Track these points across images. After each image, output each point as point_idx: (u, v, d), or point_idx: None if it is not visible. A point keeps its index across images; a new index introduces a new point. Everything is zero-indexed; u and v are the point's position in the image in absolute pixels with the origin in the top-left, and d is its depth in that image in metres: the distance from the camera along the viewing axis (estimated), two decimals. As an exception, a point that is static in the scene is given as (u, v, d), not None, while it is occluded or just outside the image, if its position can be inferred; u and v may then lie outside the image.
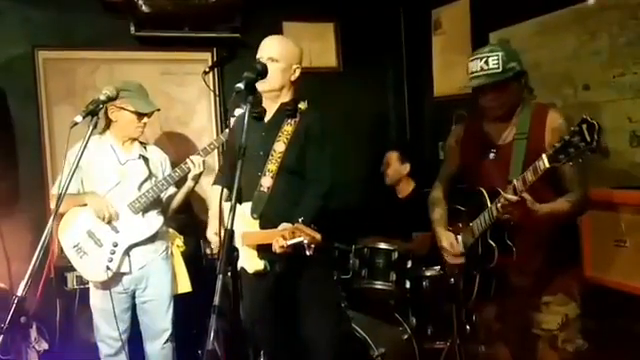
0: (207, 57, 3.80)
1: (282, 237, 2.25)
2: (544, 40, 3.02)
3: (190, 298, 3.17)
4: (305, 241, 2.20)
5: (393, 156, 3.71)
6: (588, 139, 1.84)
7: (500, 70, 2.18)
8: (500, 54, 2.18)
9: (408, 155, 3.73)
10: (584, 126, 1.85)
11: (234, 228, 1.78)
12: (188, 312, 3.16)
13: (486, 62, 2.19)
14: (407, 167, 3.69)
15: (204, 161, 2.96)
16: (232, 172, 1.91)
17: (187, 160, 2.93)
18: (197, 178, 2.97)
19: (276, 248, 2.30)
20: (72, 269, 3.19)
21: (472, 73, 2.25)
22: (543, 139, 2.18)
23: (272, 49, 2.50)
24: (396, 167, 3.69)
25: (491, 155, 2.33)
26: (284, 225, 2.31)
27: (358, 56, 4.14)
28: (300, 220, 2.25)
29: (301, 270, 2.45)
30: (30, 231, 3.25)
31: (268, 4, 3.83)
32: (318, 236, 2.20)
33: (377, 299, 3.35)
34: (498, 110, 2.28)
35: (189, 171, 2.93)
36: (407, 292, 3.28)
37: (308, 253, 2.22)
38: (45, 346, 3.17)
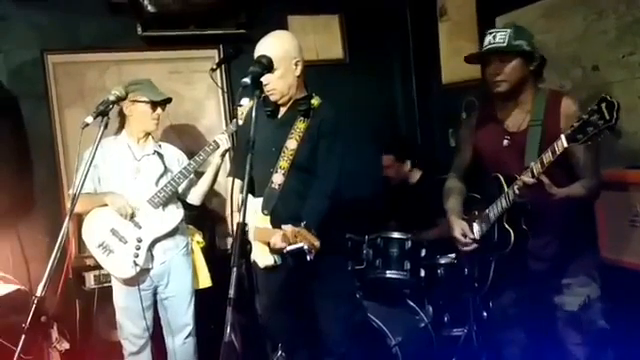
0: (214, 54, 3.81)
1: (284, 237, 2.26)
2: (551, 22, 2.99)
3: (204, 293, 3.19)
4: (305, 247, 2.21)
5: (389, 159, 3.70)
6: (607, 117, 1.84)
7: (505, 45, 2.25)
8: (508, 31, 2.27)
9: (404, 152, 3.71)
10: (603, 105, 1.84)
11: (248, 222, 1.79)
12: (204, 307, 3.19)
13: (494, 37, 2.29)
14: (407, 164, 3.68)
15: (229, 136, 3.03)
16: (244, 166, 1.92)
17: (215, 138, 3.00)
18: (225, 154, 3.03)
19: (273, 245, 2.33)
20: (90, 269, 3.25)
21: (483, 48, 2.33)
22: (558, 126, 2.17)
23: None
24: (396, 169, 3.70)
25: (505, 142, 2.33)
26: (287, 227, 2.30)
27: (364, 47, 4.13)
28: (303, 224, 2.25)
29: (314, 262, 2.45)
30: (47, 233, 3.31)
31: (272, -2, 3.84)
32: (317, 243, 2.20)
33: (392, 288, 3.36)
34: (501, 84, 2.28)
35: (215, 149, 2.98)
36: (422, 280, 3.28)
37: (309, 258, 2.23)
38: (66, 346, 3.21)
